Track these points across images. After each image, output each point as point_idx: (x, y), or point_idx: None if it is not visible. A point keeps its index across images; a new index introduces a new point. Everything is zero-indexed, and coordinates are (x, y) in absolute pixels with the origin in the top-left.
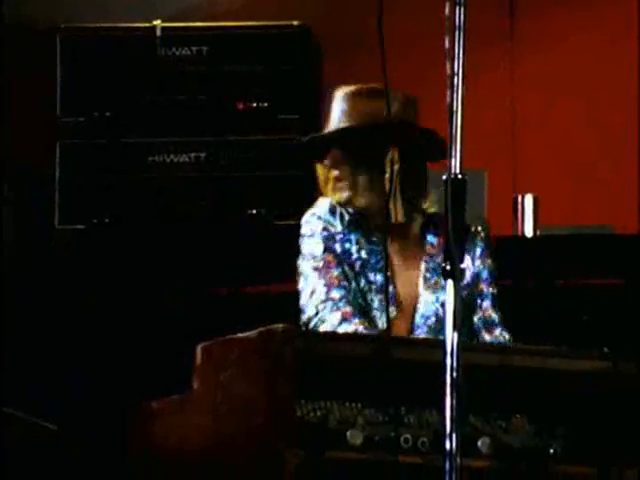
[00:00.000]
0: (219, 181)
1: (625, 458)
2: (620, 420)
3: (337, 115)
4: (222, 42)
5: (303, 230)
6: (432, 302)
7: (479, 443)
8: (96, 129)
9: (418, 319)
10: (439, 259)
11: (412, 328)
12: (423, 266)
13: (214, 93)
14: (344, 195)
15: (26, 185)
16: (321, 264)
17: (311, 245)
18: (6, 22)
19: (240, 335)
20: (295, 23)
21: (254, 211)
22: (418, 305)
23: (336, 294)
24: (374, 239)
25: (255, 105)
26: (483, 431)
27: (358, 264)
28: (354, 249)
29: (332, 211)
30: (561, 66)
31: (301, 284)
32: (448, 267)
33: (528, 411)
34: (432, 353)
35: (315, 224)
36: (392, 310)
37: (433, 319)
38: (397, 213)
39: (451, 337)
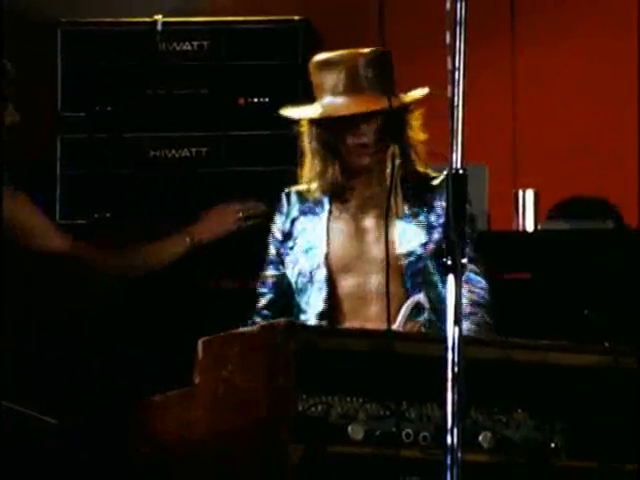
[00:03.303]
0: (220, 176)
1: (625, 453)
2: (621, 415)
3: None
4: (223, 37)
5: None
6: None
7: (480, 438)
8: (97, 124)
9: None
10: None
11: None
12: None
13: (215, 88)
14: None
15: (27, 180)
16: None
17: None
18: (7, 16)
19: (242, 330)
20: (296, 18)
21: None
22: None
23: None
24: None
25: (256, 100)
26: (484, 426)
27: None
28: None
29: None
30: (563, 61)
31: None
32: (449, 262)
33: (529, 406)
34: (433, 347)
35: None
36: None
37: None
38: (398, 208)
39: (452, 331)
